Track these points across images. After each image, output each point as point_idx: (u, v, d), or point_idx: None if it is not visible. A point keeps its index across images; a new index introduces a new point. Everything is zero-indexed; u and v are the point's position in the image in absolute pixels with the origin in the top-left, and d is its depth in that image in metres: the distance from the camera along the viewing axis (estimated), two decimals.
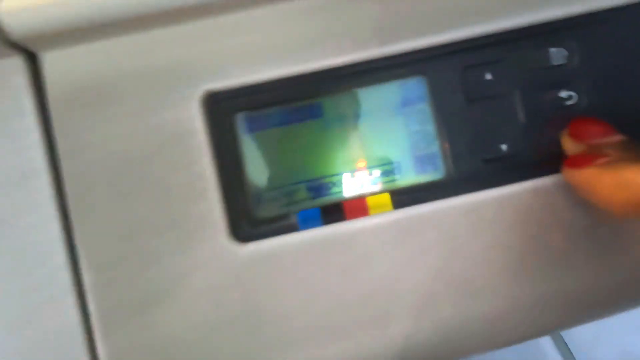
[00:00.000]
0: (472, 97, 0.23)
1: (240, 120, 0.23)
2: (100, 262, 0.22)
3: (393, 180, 0.23)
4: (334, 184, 0.23)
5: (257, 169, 0.23)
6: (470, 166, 0.23)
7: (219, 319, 0.22)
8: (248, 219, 0.23)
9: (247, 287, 0.22)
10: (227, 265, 0.22)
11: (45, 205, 0.21)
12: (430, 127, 0.24)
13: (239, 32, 0.22)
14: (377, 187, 0.23)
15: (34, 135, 0.22)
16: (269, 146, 0.23)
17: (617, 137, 0.21)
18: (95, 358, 0.22)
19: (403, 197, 0.23)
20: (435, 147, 0.23)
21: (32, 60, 0.22)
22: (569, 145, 0.22)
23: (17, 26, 0.20)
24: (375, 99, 0.24)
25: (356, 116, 0.24)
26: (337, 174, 0.23)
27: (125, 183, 0.22)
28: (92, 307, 0.22)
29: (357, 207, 0.23)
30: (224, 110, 0.23)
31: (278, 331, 0.22)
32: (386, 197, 0.23)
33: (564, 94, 0.23)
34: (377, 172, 0.23)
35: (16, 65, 0.22)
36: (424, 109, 0.24)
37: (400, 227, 0.22)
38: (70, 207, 0.22)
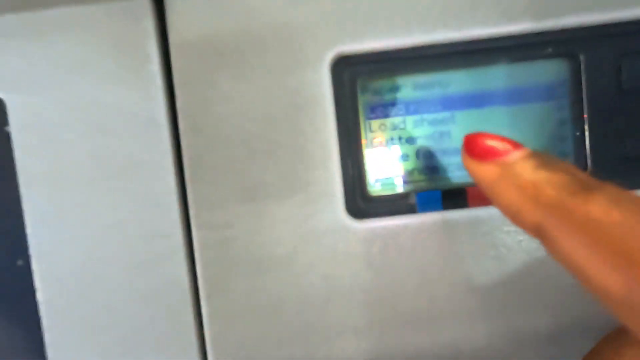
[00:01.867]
0: (625, 88, 0.21)
1: (366, 89, 0.22)
2: (213, 222, 0.21)
3: None
4: (458, 167, 0.22)
5: (376, 143, 0.22)
6: (610, 162, 0.21)
7: (328, 291, 0.21)
8: (363, 195, 0.22)
9: (358, 264, 0.21)
10: (340, 240, 0.21)
11: (163, 157, 0.21)
12: (570, 115, 0.21)
13: None
14: None
15: (157, 83, 0.21)
16: (391, 121, 0.22)
17: (524, 150, 0.17)
18: (199, 315, 0.22)
19: None
20: (573, 137, 0.22)
21: (159, 4, 0.21)
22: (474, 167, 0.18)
23: None
24: (513, 78, 0.22)
25: (490, 95, 0.22)
26: (459, 160, 0.22)
27: (243, 144, 0.21)
28: (199, 266, 0.21)
29: (481, 194, 0.21)
30: (352, 76, 0.21)
31: (386, 312, 0.21)
32: None
33: None
34: None
35: (143, 7, 0.21)
36: (567, 94, 0.21)
37: None
38: (185, 163, 0.21)
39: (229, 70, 0.21)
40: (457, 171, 0.22)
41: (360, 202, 0.22)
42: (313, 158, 0.21)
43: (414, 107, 0.22)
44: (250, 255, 0.21)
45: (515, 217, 0.16)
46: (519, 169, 0.16)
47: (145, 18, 0.21)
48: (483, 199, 0.21)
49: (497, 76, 0.22)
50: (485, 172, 0.17)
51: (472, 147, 0.18)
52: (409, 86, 0.22)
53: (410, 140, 0.22)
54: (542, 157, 0.17)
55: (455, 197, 0.21)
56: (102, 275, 0.21)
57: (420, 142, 0.22)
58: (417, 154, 0.22)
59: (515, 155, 0.17)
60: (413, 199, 0.22)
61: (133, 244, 0.21)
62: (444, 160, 0.22)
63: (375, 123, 0.22)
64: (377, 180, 0.22)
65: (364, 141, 0.22)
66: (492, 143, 0.17)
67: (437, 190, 0.22)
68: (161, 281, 0.21)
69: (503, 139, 0.17)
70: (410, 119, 0.22)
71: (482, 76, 0.22)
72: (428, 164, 0.22)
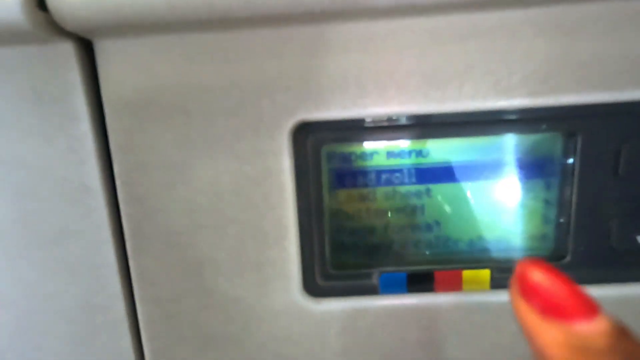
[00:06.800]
0: (621, 174, 0.19)
1: (332, 156, 0.19)
2: (158, 296, 0.20)
3: (498, 255, 0.20)
4: (426, 247, 0.20)
5: (342, 216, 0.20)
6: (593, 253, 0.19)
7: None
8: (323, 273, 0.20)
9: (313, 345, 0.20)
10: (295, 320, 0.20)
11: (100, 227, 0.19)
12: (558, 196, 0.19)
13: (354, 53, 0.17)
14: (477, 261, 0.20)
15: (88, 145, 0.18)
16: (359, 192, 0.20)
17: (602, 322, 0.12)
18: None
19: (505, 277, 0.20)
20: (556, 221, 0.20)
21: (89, 52, 0.18)
22: (527, 318, 0.13)
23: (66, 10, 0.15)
24: (498, 150, 0.19)
25: (471, 168, 0.19)
26: (432, 237, 0.20)
27: (187, 216, 0.19)
28: (144, 340, 0.20)
29: (449, 280, 0.20)
30: (316, 144, 0.19)
31: None
32: (486, 274, 0.20)
33: None
34: (480, 243, 0.20)
35: (67, 53, 0.17)
36: (558, 173, 0.19)
37: (494, 311, 0.20)
38: (126, 234, 0.19)
39: (173, 133, 0.18)
40: (427, 251, 0.20)
41: (319, 279, 0.20)
42: (267, 236, 0.19)
43: (386, 178, 0.20)
44: (197, 332, 0.20)
45: None
46: (595, 354, 0.11)
47: (70, 67, 0.17)
48: (451, 285, 0.20)
49: (480, 148, 0.19)
50: (544, 335, 0.12)
51: (528, 288, 0.12)
52: (381, 154, 0.19)
53: (379, 213, 0.20)
54: (629, 341, 0.12)
55: (422, 280, 0.20)
56: (39, 348, 0.20)
57: (390, 217, 0.20)
58: (385, 229, 0.20)
59: (590, 327, 0.12)
60: (376, 280, 0.20)
61: (72, 315, 0.20)
62: (414, 237, 0.20)
63: (341, 193, 0.20)
64: (339, 257, 0.20)
65: (327, 213, 0.20)
66: (557, 292, 0.12)
67: (403, 272, 0.20)
68: (104, 354, 0.20)
69: (572, 287, 0.12)
70: (380, 191, 0.20)
71: (464, 147, 0.19)
72: (396, 241, 0.20)
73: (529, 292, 0.12)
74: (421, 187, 0.20)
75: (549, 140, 0.19)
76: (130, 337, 0.20)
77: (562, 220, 0.19)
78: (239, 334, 0.20)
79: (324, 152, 0.19)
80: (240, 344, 0.20)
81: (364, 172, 0.19)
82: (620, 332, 0.12)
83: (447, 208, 0.20)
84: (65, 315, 0.20)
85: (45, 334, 0.20)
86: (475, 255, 0.20)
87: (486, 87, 0.17)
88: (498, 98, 0.17)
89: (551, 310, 0.12)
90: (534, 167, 0.19)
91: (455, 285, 0.20)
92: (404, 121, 0.18)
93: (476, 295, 0.20)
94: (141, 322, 0.20)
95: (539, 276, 0.12)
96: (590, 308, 0.12)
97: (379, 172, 0.19)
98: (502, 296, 0.19)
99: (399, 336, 0.20)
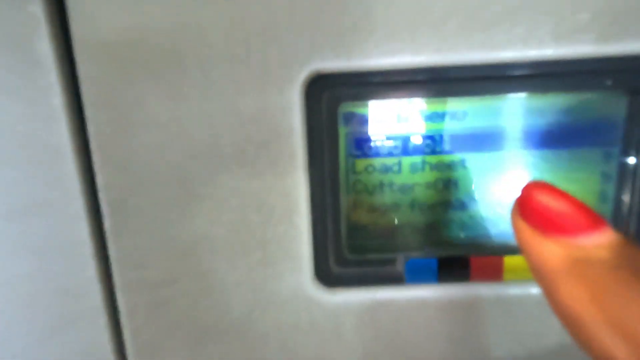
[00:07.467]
0: None
1: (351, 118, 0.16)
2: (144, 281, 0.16)
3: None
4: (460, 229, 0.17)
5: (360, 189, 0.17)
6: None
7: None
8: (338, 258, 0.17)
9: (325, 343, 0.17)
10: (306, 313, 0.17)
11: (72, 198, 0.16)
12: (618, 168, 0.16)
13: None
14: None
15: (55, 97, 0.15)
16: (382, 161, 0.17)
17: (607, 235, 0.11)
18: None
19: None
20: (616, 198, 0.17)
21: None
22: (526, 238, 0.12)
23: None
24: (549, 113, 0.16)
25: (514, 134, 0.16)
26: (466, 216, 0.17)
27: (180, 185, 0.16)
28: (127, 332, 0.17)
29: (488, 268, 0.17)
30: (332, 100, 0.15)
31: None
32: None
33: None
34: None
35: None
36: (620, 140, 0.16)
37: (540, 304, 0.17)
38: (104, 208, 0.16)
39: (162, 85, 0.15)
40: (461, 233, 0.17)
41: (334, 266, 0.17)
42: (274, 209, 0.16)
43: (413, 145, 0.17)
44: (193, 321, 0.17)
45: (577, 332, 0.11)
46: (596, 266, 0.11)
47: (32, 0, 0.14)
48: (490, 274, 0.17)
49: (527, 110, 0.16)
50: (544, 251, 0.11)
51: (528, 207, 0.12)
52: (408, 117, 0.16)
53: (404, 188, 0.17)
54: (633, 251, 0.11)
55: (456, 267, 0.17)
56: (1, 339, 0.17)
57: (418, 192, 0.17)
58: (412, 206, 0.17)
59: (593, 240, 0.11)
60: (401, 267, 0.17)
61: (40, 302, 0.16)
62: (445, 217, 0.17)
63: (360, 163, 0.17)
64: (357, 239, 0.17)
65: (343, 186, 0.17)
66: (560, 207, 0.11)
67: (432, 258, 0.17)
68: (78, 347, 0.17)
69: (577, 203, 0.11)
70: (407, 161, 0.17)
71: (509, 108, 0.16)
72: (425, 222, 0.17)
73: (531, 213, 0.12)
74: (455, 157, 0.17)
75: (610, 100, 0.16)
76: (108, 329, 0.17)
77: (623, 197, 0.16)
78: (240, 324, 0.17)
79: (341, 113, 0.16)
80: (241, 335, 0.17)
81: (388, 138, 0.16)
82: (625, 244, 0.11)
83: (486, 182, 0.17)
84: (31, 302, 0.16)
85: (9, 324, 0.17)
86: None
87: (543, 30, 0.14)
88: (557, 44, 0.14)
89: (555, 227, 0.11)
90: (590, 133, 0.16)
91: (494, 274, 0.17)
92: (438, 75, 0.15)
93: (519, 286, 0.16)
94: (122, 311, 0.17)
95: (544, 197, 0.12)
96: (596, 222, 0.11)
97: (406, 138, 0.16)
98: None
99: (427, 333, 0.17)
